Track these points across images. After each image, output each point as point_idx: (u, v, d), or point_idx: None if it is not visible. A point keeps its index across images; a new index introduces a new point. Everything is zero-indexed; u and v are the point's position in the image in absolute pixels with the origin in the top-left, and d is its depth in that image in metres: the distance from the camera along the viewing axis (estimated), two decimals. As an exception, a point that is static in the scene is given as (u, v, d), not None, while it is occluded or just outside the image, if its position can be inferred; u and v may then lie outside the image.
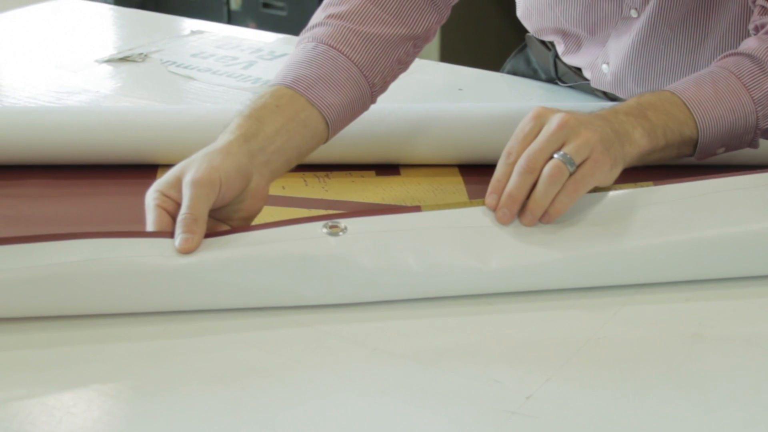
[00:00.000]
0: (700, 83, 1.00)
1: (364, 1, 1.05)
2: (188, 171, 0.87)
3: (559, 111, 0.90)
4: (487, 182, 0.90)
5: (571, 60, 1.36)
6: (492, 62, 1.56)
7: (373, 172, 1.12)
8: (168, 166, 1.09)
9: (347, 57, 1.01)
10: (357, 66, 1.01)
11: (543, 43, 1.40)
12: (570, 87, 1.39)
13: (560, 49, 1.36)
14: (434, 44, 2.99)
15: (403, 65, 1.08)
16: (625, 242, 0.88)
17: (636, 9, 1.22)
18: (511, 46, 1.51)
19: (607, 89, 1.30)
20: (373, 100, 1.05)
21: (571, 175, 0.87)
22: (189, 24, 1.66)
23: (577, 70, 1.36)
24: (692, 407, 0.75)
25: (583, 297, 0.88)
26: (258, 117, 0.93)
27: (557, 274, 0.88)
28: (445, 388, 0.77)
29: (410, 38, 1.07)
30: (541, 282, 0.88)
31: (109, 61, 1.45)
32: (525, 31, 1.43)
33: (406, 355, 0.81)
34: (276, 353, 0.81)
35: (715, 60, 1.05)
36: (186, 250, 0.83)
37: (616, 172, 0.91)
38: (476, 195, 1.01)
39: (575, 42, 1.33)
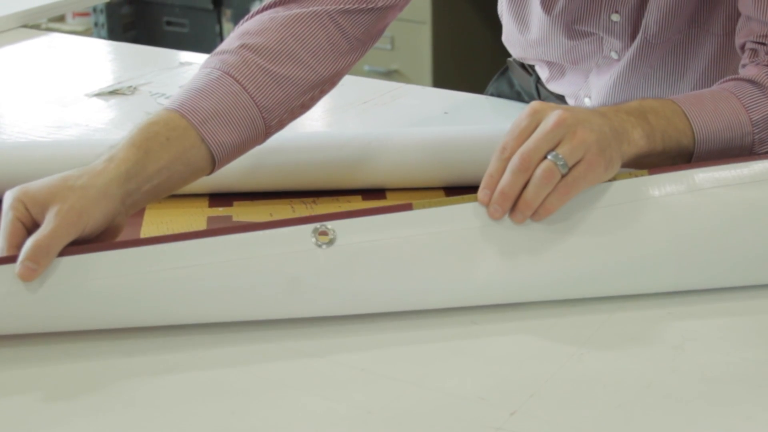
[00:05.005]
0: (701, 98, 1.00)
1: (284, 34, 1.02)
2: (60, 202, 0.85)
3: (557, 107, 0.89)
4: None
5: (555, 87, 1.37)
6: (483, 86, 1.57)
7: (359, 197, 1.13)
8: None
9: (250, 95, 0.98)
10: (258, 107, 0.98)
11: (524, 68, 1.42)
12: None
13: (544, 75, 1.37)
14: (426, 68, 3.00)
15: (305, 109, 1.05)
16: (616, 255, 0.89)
17: (616, 52, 1.24)
18: (500, 68, 1.52)
19: None
20: (265, 140, 1.02)
21: (563, 176, 0.87)
22: (180, 56, 1.67)
23: (560, 96, 1.37)
24: (675, 420, 0.76)
25: (566, 314, 0.89)
26: (146, 149, 0.91)
27: (543, 283, 0.89)
28: (430, 406, 0.78)
29: (319, 84, 1.04)
30: (528, 295, 0.89)
31: (99, 94, 1.46)
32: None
33: (392, 374, 0.82)
34: (264, 376, 0.82)
35: (717, 83, 1.06)
36: (27, 279, 0.82)
37: (611, 173, 0.90)
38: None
39: (559, 69, 1.34)
